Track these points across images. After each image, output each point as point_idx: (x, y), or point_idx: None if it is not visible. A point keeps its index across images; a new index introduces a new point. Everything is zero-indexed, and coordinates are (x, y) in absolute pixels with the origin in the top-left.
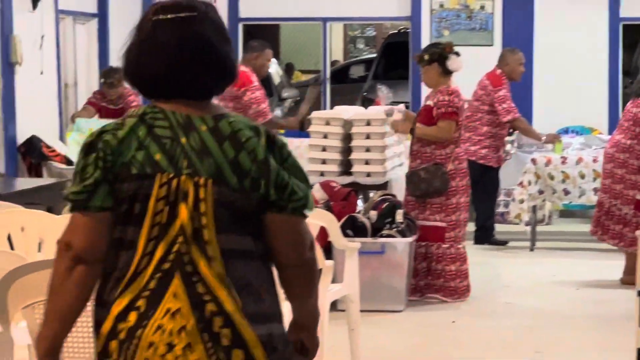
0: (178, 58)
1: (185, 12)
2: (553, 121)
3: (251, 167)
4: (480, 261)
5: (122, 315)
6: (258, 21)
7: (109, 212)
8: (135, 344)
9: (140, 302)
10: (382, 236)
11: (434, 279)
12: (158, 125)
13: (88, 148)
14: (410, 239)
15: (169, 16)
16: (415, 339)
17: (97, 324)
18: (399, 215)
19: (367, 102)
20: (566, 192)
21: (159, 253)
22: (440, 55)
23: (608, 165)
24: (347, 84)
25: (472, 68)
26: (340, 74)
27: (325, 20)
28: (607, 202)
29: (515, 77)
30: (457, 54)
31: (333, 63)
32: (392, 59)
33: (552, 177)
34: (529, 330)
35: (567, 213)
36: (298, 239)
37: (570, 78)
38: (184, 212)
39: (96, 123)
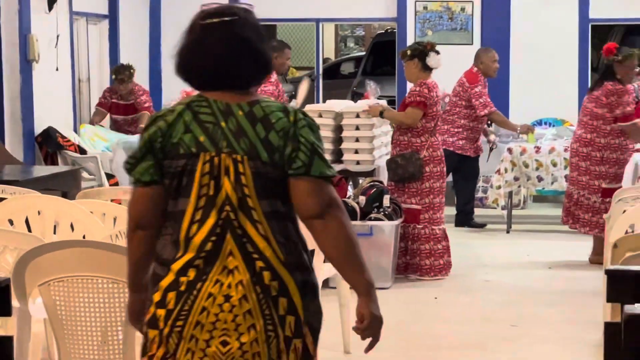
0: (223, 55)
1: (228, 17)
2: (528, 113)
3: (279, 144)
4: (460, 242)
5: (182, 272)
6: None
7: (156, 187)
8: (195, 295)
9: (199, 262)
10: (370, 219)
11: (411, 258)
12: (202, 111)
13: (144, 130)
14: (396, 222)
15: (215, 20)
16: (402, 314)
17: (157, 280)
18: (386, 200)
19: (357, 96)
20: (540, 179)
21: (211, 220)
22: (421, 52)
23: (573, 159)
24: (338, 80)
25: (454, 65)
26: (331, 71)
27: (318, 21)
28: (576, 193)
29: (491, 74)
30: (437, 52)
31: (325, 60)
32: (380, 56)
33: (526, 165)
34: (505, 305)
35: (541, 198)
36: (310, 195)
37: (544, 74)
38: (227, 184)
39: (101, 131)
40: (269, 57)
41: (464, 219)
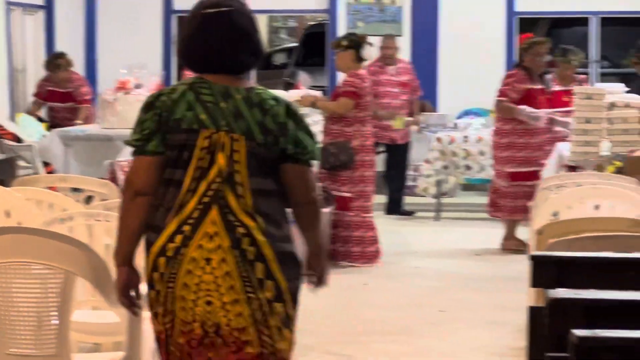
0: (220, 43)
1: (225, 8)
2: (456, 104)
3: (274, 128)
4: (390, 230)
5: (171, 238)
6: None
7: (160, 157)
8: (180, 259)
9: (186, 228)
10: None
11: (342, 246)
12: (203, 92)
13: (147, 107)
14: (327, 210)
15: (213, 10)
16: (332, 300)
17: (148, 245)
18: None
19: (289, 86)
20: (468, 168)
21: (201, 189)
22: (357, 43)
23: (492, 150)
24: (270, 70)
25: None
26: (264, 61)
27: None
28: (495, 182)
29: (382, 61)
30: (371, 44)
31: None
32: (311, 47)
33: (455, 154)
34: (434, 291)
35: (469, 186)
36: (306, 183)
37: (472, 65)
38: (221, 158)
39: (36, 125)
40: (261, 45)
41: (394, 207)
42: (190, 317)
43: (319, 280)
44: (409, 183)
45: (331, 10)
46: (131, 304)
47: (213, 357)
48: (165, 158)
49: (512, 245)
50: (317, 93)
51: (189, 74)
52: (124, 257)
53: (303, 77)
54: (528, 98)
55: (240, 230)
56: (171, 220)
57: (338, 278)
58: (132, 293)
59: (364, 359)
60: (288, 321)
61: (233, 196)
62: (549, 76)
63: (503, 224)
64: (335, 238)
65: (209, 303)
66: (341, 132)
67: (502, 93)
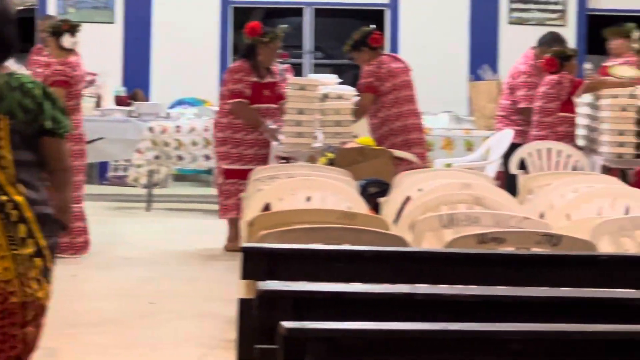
0: None
1: None
2: (169, 93)
3: (33, 107)
4: (100, 220)
5: None
6: None
7: None
8: None
9: None
10: None
11: None
12: None
13: None
14: None
15: None
16: None
17: None
18: None
19: None
20: (180, 158)
21: None
22: (57, 31)
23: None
24: None
25: (95, 44)
26: None
27: None
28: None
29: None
30: (72, 33)
31: None
32: (20, 33)
33: (167, 144)
34: (144, 282)
35: (181, 177)
36: (61, 153)
37: (185, 54)
38: None
39: None
40: (10, 40)
41: None
42: None
43: (63, 228)
44: (120, 173)
45: None
46: None
47: None
48: None
49: (233, 247)
50: None
51: None
52: None
53: (10, 62)
54: (253, 93)
55: (4, 197)
56: None
57: None
58: None
59: (71, 352)
60: (47, 273)
61: None
62: (282, 67)
63: (228, 224)
64: None
65: None
66: None
67: (237, 93)
